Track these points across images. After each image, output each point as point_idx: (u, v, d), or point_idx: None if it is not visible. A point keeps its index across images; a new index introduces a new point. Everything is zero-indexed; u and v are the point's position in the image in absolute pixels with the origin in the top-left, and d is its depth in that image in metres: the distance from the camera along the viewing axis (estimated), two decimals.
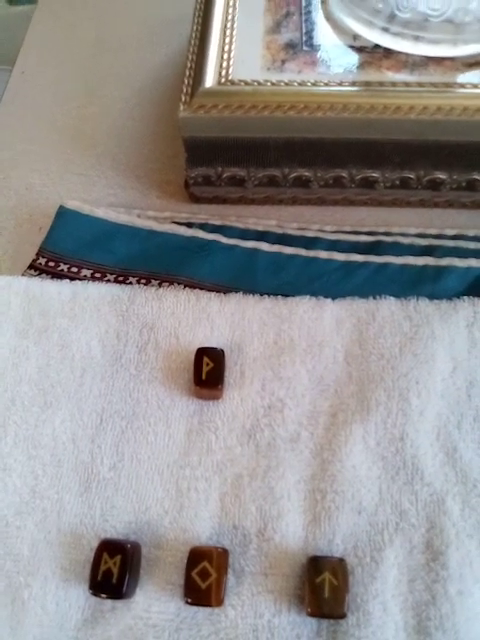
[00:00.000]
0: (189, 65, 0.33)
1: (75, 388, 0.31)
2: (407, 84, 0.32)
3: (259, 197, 0.37)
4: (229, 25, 0.34)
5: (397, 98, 0.31)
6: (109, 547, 0.26)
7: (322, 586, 0.25)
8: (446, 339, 0.31)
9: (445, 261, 0.34)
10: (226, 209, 0.38)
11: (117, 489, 0.28)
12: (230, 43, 0.34)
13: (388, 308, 0.32)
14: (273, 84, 0.32)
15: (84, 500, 0.28)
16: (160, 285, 0.34)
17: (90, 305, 0.33)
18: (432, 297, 0.32)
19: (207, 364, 0.30)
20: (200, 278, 0.34)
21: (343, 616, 0.25)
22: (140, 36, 0.48)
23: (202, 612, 0.26)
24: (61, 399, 0.30)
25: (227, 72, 0.33)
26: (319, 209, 0.38)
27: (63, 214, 0.36)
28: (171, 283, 0.34)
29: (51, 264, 0.35)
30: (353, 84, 0.32)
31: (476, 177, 0.35)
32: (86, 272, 0.35)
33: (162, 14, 0.48)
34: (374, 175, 0.35)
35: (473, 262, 0.34)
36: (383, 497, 0.28)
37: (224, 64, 0.33)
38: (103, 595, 0.26)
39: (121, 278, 0.35)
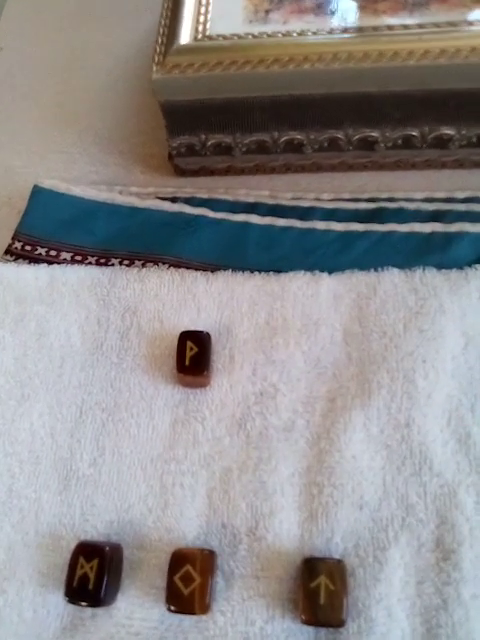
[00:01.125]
0: (163, 22, 0.30)
1: (54, 379, 0.29)
2: (405, 27, 0.28)
3: (249, 166, 0.34)
4: None
5: (394, 43, 0.28)
6: (86, 550, 0.24)
7: (317, 591, 0.23)
8: (456, 312, 0.28)
9: (455, 227, 0.31)
10: (214, 181, 0.35)
11: (97, 486, 0.27)
12: None
13: (391, 281, 0.29)
14: (254, 37, 0.29)
15: (63, 499, 0.27)
16: (144, 266, 0.32)
17: (68, 290, 0.31)
18: (441, 267, 0.30)
19: (191, 349, 0.28)
20: (186, 256, 0.32)
21: (341, 624, 0.22)
22: (121, 5, 0.45)
23: (189, 619, 0.24)
24: (39, 391, 0.29)
25: (204, 27, 0.30)
26: (315, 176, 0.35)
27: (38, 194, 0.34)
28: (156, 263, 0.32)
29: (28, 248, 0.33)
30: (344, 31, 0.29)
31: None
32: (66, 255, 0.33)
33: None
34: (373, 135, 0.32)
35: None
36: (387, 490, 0.25)
37: (201, 19, 0.30)
38: (80, 603, 0.24)
39: (103, 260, 0.33)
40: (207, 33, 0.30)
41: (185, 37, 0.29)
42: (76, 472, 0.27)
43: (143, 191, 0.35)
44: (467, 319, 0.28)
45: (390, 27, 0.28)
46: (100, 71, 0.42)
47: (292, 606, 0.24)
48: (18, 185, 0.36)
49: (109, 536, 0.26)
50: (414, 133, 0.32)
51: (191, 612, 0.23)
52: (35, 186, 0.34)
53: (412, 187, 0.34)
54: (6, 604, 0.25)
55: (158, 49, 0.29)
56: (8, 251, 0.33)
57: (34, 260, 0.33)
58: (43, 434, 0.28)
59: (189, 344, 0.28)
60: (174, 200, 0.34)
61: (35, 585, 0.25)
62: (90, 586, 0.23)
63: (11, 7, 0.46)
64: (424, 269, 0.29)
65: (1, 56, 0.43)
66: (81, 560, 0.24)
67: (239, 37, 0.29)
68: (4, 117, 0.40)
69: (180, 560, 0.23)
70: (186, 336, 0.28)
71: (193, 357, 0.28)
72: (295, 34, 0.29)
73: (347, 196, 0.34)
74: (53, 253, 0.33)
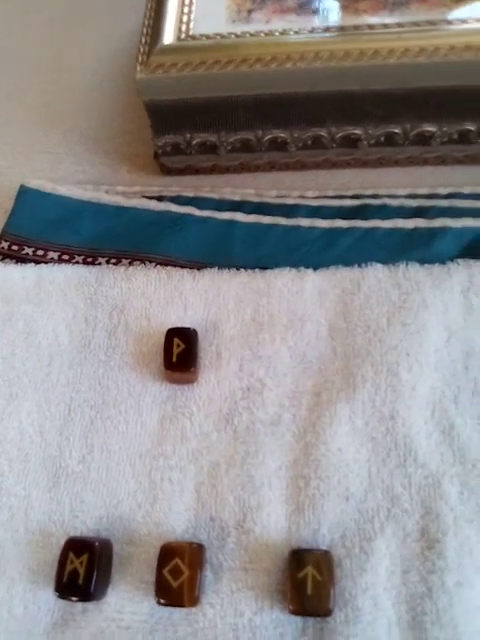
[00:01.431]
0: (146, 22, 0.30)
1: (42, 378, 0.29)
2: (386, 26, 0.29)
3: (234, 164, 0.35)
4: None
5: (374, 42, 0.28)
6: (75, 546, 0.24)
7: (304, 582, 0.23)
8: (439, 307, 0.29)
9: (438, 222, 0.32)
10: (200, 180, 0.35)
11: (87, 483, 0.27)
12: None
13: (375, 276, 0.30)
14: (237, 36, 0.29)
15: (52, 496, 0.27)
16: (131, 264, 0.32)
17: (56, 289, 0.31)
18: (424, 262, 0.30)
19: (178, 345, 0.28)
20: (173, 255, 0.32)
21: (328, 613, 0.23)
22: (108, 4, 0.45)
23: (178, 612, 0.24)
24: (27, 390, 0.29)
25: (188, 27, 0.30)
26: (299, 174, 0.35)
27: (25, 194, 0.34)
28: (142, 262, 0.32)
29: (15, 248, 0.33)
30: (326, 30, 0.29)
31: (469, 127, 0.32)
32: (53, 254, 0.33)
33: None
34: (356, 132, 0.32)
35: (469, 222, 0.31)
36: (373, 482, 0.26)
37: (184, 18, 0.30)
38: (71, 598, 0.24)
39: (90, 259, 0.33)
40: (190, 33, 0.30)
41: (169, 37, 0.30)
42: (65, 469, 0.27)
43: (129, 190, 0.35)
44: (449, 313, 0.29)
45: (371, 26, 0.29)
46: (85, 71, 0.42)
47: (280, 597, 0.24)
48: (4, 185, 0.36)
49: (99, 532, 0.26)
50: (396, 130, 0.32)
51: (180, 605, 0.23)
52: (21, 186, 0.34)
53: (395, 184, 0.34)
54: None
55: (142, 49, 0.30)
56: None
57: (21, 260, 0.33)
58: (32, 432, 0.28)
59: (176, 341, 0.28)
60: (160, 199, 0.34)
61: (25, 582, 0.25)
62: (80, 581, 0.24)
63: None
64: (407, 264, 0.30)
65: None
66: (71, 555, 0.24)
67: (222, 37, 0.29)
68: None
69: (169, 554, 0.24)
70: (173, 333, 0.28)
71: (180, 354, 0.28)
72: (277, 33, 0.29)
73: (331, 193, 0.34)
74: (40, 253, 0.33)
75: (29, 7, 0.46)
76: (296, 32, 0.29)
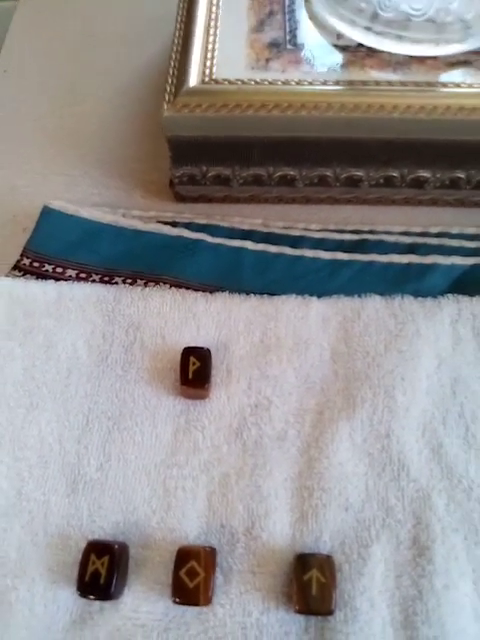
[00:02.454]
0: (173, 64, 0.33)
1: (61, 389, 0.31)
2: (390, 83, 0.32)
3: (244, 196, 0.37)
4: (213, 24, 0.34)
5: (381, 97, 0.31)
6: (96, 548, 0.26)
7: (309, 583, 0.25)
8: (431, 336, 0.31)
9: (429, 259, 0.34)
10: (211, 208, 0.38)
11: (104, 489, 0.28)
12: (214, 42, 0.33)
13: (373, 306, 0.32)
14: (257, 83, 0.32)
15: (71, 501, 0.28)
16: (146, 285, 0.34)
17: (75, 305, 0.33)
18: (417, 295, 0.33)
19: (193, 363, 0.30)
20: (186, 277, 0.34)
21: (331, 613, 0.25)
22: (125, 34, 0.47)
23: (190, 611, 0.26)
24: (47, 400, 0.30)
25: (211, 71, 0.33)
26: (304, 208, 0.38)
27: (47, 214, 0.36)
28: (157, 283, 0.34)
29: (36, 265, 0.35)
30: (337, 83, 0.32)
31: (459, 175, 0.35)
32: (71, 272, 0.35)
33: (147, 12, 0.48)
34: (359, 174, 0.35)
35: (457, 259, 0.34)
36: (370, 493, 0.28)
37: (208, 63, 0.33)
38: (91, 596, 0.25)
39: (106, 278, 0.35)
40: (213, 77, 0.32)
41: (194, 80, 0.32)
42: (83, 476, 0.28)
43: (145, 214, 0.37)
44: (440, 342, 0.31)
45: (377, 82, 0.32)
46: (102, 98, 0.44)
47: (285, 599, 0.26)
48: (23, 204, 0.38)
49: (116, 536, 0.27)
50: (395, 174, 0.35)
51: (196, 603, 0.25)
52: (45, 206, 0.36)
53: (391, 221, 0.37)
54: (18, 600, 0.26)
55: (169, 89, 0.32)
56: (16, 267, 0.35)
57: (41, 276, 0.34)
58: (51, 440, 0.29)
59: (192, 359, 0.30)
60: (174, 224, 0.36)
61: (45, 582, 0.26)
62: (101, 581, 0.25)
63: (15, 31, 0.48)
64: (402, 296, 0.32)
65: (5, 79, 0.45)
66: (92, 557, 0.26)
67: (243, 82, 0.32)
68: (9, 138, 0.42)
69: (185, 556, 0.26)
70: (189, 351, 0.30)
71: (195, 371, 0.30)
72: (293, 83, 0.32)
73: (333, 227, 0.36)
74: (59, 270, 0.35)
75: (50, 36, 0.48)
76: (310, 83, 0.32)
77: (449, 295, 0.33)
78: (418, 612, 0.25)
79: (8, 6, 0.51)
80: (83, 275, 0.35)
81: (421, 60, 0.33)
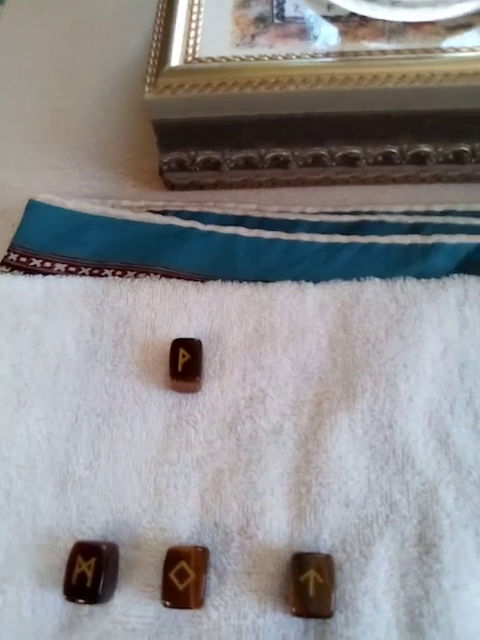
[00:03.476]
0: (154, 45, 0.32)
1: (49, 386, 0.30)
2: (383, 52, 0.30)
3: (236, 181, 0.36)
4: (196, 1, 0.33)
5: (373, 67, 0.30)
6: (83, 549, 0.25)
7: (307, 584, 0.24)
8: (435, 319, 0.30)
9: (433, 238, 0.33)
10: (203, 195, 0.36)
11: (93, 488, 0.27)
12: (197, 20, 0.32)
13: (373, 290, 0.31)
14: (242, 60, 0.31)
15: (60, 501, 0.27)
16: (136, 276, 0.33)
17: (63, 300, 0.32)
18: (420, 277, 0.31)
19: (183, 355, 0.29)
20: (177, 267, 0.33)
21: (330, 615, 0.24)
22: (113, 23, 0.46)
23: (183, 614, 0.25)
24: (35, 398, 0.29)
25: (194, 50, 0.31)
26: (300, 190, 0.36)
27: (33, 208, 0.35)
28: (147, 274, 0.33)
29: (23, 260, 0.34)
30: (327, 55, 0.30)
31: (463, 148, 0.33)
32: (60, 266, 0.34)
33: (132, 1, 0.47)
34: (355, 152, 0.34)
35: (463, 238, 0.32)
36: (372, 488, 0.26)
37: (191, 42, 0.31)
38: (79, 600, 0.25)
39: (96, 271, 0.34)
40: (197, 56, 0.31)
41: (176, 59, 0.31)
42: (72, 475, 0.28)
43: (135, 204, 0.36)
44: (445, 325, 0.30)
45: (369, 52, 0.30)
46: (91, 89, 0.43)
47: (282, 600, 0.25)
48: (13, 199, 0.37)
49: (105, 536, 0.26)
50: (393, 150, 0.33)
51: (186, 606, 0.24)
52: (30, 200, 0.35)
53: (392, 201, 0.35)
54: (5, 604, 0.25)
55: (150, 70, 0.31)
56: (4, 262, 0.34)
57: (29, 271, 0.33)
58: (39, 439, 0.28)
59: (182, 351, 0.29)
60: (165, 213, 0.35)
61: (34, 585, 0.26)
62: (88, 584, 0.24)
63: (3, 26, 0.47)
64: (404, 279, 0.31)
65: None
66: (79, 559, 0.25)
67: (227, 60, 0.31)
68: None
69: (175, 557, 0.24)
70: (179, 343, 0.29)
71: (185, 363, 0.29)
72: (280, 57, 0.31)
73: (330, 209, 0.35)
74: (47, 264, 0.34)
75: (36, 28, 0.47)
76: (298, 57, 0.31)
77: (455, 275, 0.31)
78: (425, 614, 0.24)
79: None
80: (72, 269, 0.34)
81: (417, 26, 0.31)
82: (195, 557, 0.24)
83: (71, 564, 0.25)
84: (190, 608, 0.24)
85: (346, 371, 0.29)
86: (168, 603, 0.24)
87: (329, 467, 0.27)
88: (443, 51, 0.30)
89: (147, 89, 0.30)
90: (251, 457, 0.27)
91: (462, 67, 0.30)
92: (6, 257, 0.34)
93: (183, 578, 0.24)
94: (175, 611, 0.25)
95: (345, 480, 0.27)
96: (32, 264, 0.34)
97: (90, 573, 0.24)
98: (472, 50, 0.30)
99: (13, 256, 0.34)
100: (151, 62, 0.31)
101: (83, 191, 0.38)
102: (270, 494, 0.27)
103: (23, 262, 0.34)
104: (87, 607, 0.25)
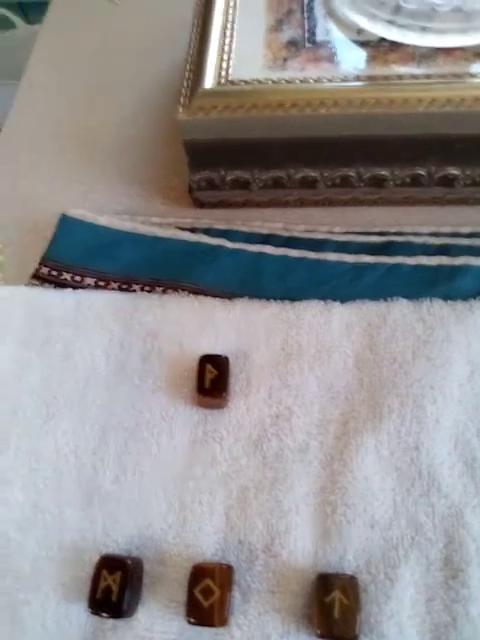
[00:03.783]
0: (188, 67, 0.32)
1: (78, 399, 0.30)
2: (414, 77, 0.30)
3: (264, 200, 0.36)
4: (229, 25, 0.34)
5: (404, 91, 0.30)
6: (109, 563, 0.25)
7: (332, 606, 0.24)
8: (462, 342, 0.30)
9: (460, 260, 0.33)
10: (231, 213, 0.37)
11: (119, 503, 0.28)
12: (230, 43, 0.33)
13: (400, 310, 0.31)
14: (274, 82, 0.31)
15: (86, 514, 0.28)
16: (164, 292, 0.33)
17: (93, 314, 0.32)
18: (447, 298, 0.31)
19: (211, 372, 0.29)
20: (205, 284, 0.34)
21: (355, 638, 0.23)
22: (144, 43, 0.47)
23: (206, 632, 0.25)
24: (63, 411, 0.30)
25: (227, 72, 0.32)
26: (327, 210, 0.37)
27: (65, 222, 0.36)
28: (175, 290, 0.33)
29: (54, 273, 0.35)
30: (357, 79, 0.31)
31: None
32: (90, 280, 0.34)
33: (166, 20, 0.48)
34: (383, 173, 0.34)
35: None
36: (397, 510, 0.26)
37: (224, 64, 0.32)
38: (103, 614, 0.25)
39: (125, 286, 0.34)
40: (229, 78, 0.32)
41: (209, 81, 0.32)
42: (99, 489, 0.28)
43: (164, 221, 0.37)
44: (473, 348, 0.30)
45: (400, 76, 0.31)
46: (121, 107, 0.44)
47: (306, 621, 0.25)
48: (44, 212, 0.38)
49: (130, 551, 0.27)
50: (421, 172, 0.34)
51: (210, 624, 0.24)
52: (63, 215, 0.36)
53: (419, 222, 0.35)
54: (30, 614, 0.25)
55: (184, 92, 0.32)
56: (35, 276, 0.34)
57: (60, 285, 0.34)
58: (67, 452, 0.29)
59: (209, 367, 0.29)
60: (193, 231, 0.36)
61: (58, 597, 0.26)
62: (113, 598, 0.24)
63: (40, 47, 0.49)
64: (431, 300, 0.31)
65: (30, 92, 0.46)
66: (104, 573, 0.25)
67: (259, 82, 0.31)
68: (31, 147, 0.42)
69: (200, 574, 0.25)
70: (206, 359, 0.29)
71: (213, 380, 0.29)
72: (312, 81, 0.31)
73: (358, 230, 0.35)
74: (77, 278, 0.35)
75: (69, 47, 0.48)
76: (329, 80, 0.31)
77: None
78: None
79: (36, 29, 0.52)
80: (101, 283, 0.34)
81: (447, 52, 0.32)
82: (220, 574, 0.24)
83: (96, 578, 0.25)
84: (214, 626, 0.24)
85: (372, 391, 0.29)
86: (192, 620, 0.24)
87: (355, 487, 0.27)
88: (473, 76, 0.30)
89: (180, 110, 0.31)
90: (276, 475, 0.27)
91: None
92: (38, 270, 0.35)
93: (208, 595, 0.24)
94: (199, 628, 0.25)
95: (371, 501, 0.27)
96: (63, 278, 0.34)
97: (115, 587, 0.25)
98: None
99: (44, 269, 0.35)
100: (185, 83, 0.32)
101: (112, 207, 0.39)
102: (295, 513, 0.27)
103: (54, 276, 0.35)
104: (111, 621, 0.25)
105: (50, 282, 0.34)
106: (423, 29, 0.31)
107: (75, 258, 0.35)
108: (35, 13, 0.93)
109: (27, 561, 0.27)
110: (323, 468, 0.28)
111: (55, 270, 0.35)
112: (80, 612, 0.25)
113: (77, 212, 0.36)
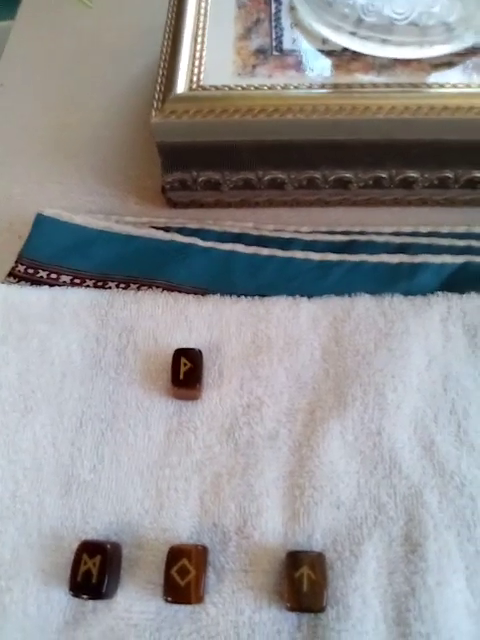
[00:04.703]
0: (161, 72, 0.34)
1: (55, 392, 0.31)
2: (375, 85, 0.32)
3: (235, 200, 0.38)
4: (200, 32, 0.35)
5: (365, 99, 0.32)
6: (89, 548, 0.26)
7: (301, 580, 0.25)
8: (421, 334, 0.32)
9: (419, 258, 0.35)
10: (203, 213, 0.38)
11: (97, 491, 0.29)
12: (201, 50, 0.34)
13: (363, 305, 0.33)
14: (243, 88, 0.33)
15: (65, 503, 0.28)
16: (139, 289, 0.34)
17: (69, 310, 0.33)
18: (407, 294, 0.33)
19: (185, 364, 0.30)
20: (178, 281, 0.35)
21: (322, 610, 0.25)
22: (118, 46, 0.48)
23: (183, 610, 0.26)
24: (41, 404, 0.31)
25: (198, 78, 0.33)
26: (295, 210, 0.38)
27: (41, 221, 0.37)
28: (149, 287, 0.34)
29: (30, 271, 0.35)
30: (322, 86, 0.33)
31: (447, 174, 0.35)
32: (65, 278, 0.35)
33: (140, 24, 0.49)
34: (347, 176, 0.36)
35: (447, 258, 0.35)
36: (361, 491, 0.28)
37: (195, 70, 0.33)
38: (83, 596, 0.26)
39: (100, 283, 0.35)
40: (201, 83, 0.33)
41: (181, 86, 0.33)
42: (77, 478, 0.29)
43: (138, 220, 0.38)
44: (430, 340, 0.31)
45: (362, 85, 0.33)
46: (96, 108, 0.45)
47: (277, 597, 0.26)
48: (19, 212, 0.39)
49: (109, 537, 0.27)
50: (383, 175, 0.36)
51: (187, 602, 0.25)
52: (38, 214, 0.37)
53: (381, 222, 0.37)
54: (12, 601, 0.26)
55: (157, 96, 0.33)
56: (11, 274, 0.35)
57: (36, 282, 0.35)
58: (45, 443, 0.30)
59: (183, 360, 0.30)
60: (167, 230, 0.37)
61: (39, 583, 0.26)
62: (93, 580, 0.25)
63: (12, 47, 0.49)
64: (392, 295, 0.33)
65: (2, 92, 0.46)
66: (85, 557, 0.26)
67: (229, 88, 0.33)
68: (6, 149, 0.43)
69: (177, 555, 0.26)
70: (180, 353, 0.31)
71: (187, 372, 0.30)
72: (279, 87, 0.33)
73: (323, 229, 0.37)
74: (53, 276, 0.35)
75: (42, 48, 0.49)
76: (296, 87, 0.33)
77: (439, 293, 0.33)
78: (411, 608, 0.25)
79: (7, 25, 0.53)
80: (77, 281, 0.35)
81: (405, 63, 0.34)
82: (196, 555, 0.26)
83: (77, 561, 0.26)
84: (191, 603, 0.25)
85: (338, 381, 0.31)
86: (170, 599, 0.25)
87: (321, 471, 0.28)
88: (429, 86, 0.33)
89: (154, 113, 0.32)
90: (248, 461, 0.29)
91: (445, 101, 0.32)
92: (14, 268, 0.35)
93: (184, 575, 0.25)
94: (175, 607, 0.26)
95: (336, 483, 0.28)
96: (39, 276, 0.35)
97: (95, 570, 0.26)
98: (454, 86, 0.33)
99: (21, 267, 0.35)
100: (158, 88, 0.33)
101: (87, 206, 0.40)
102: (266, 496, 0.28)
103: (30, 273, 0.35)
104: (91, 603, 0.26)
105: (26, 280, 0.35)
106: (383, 41, 0.33)
107: (51, 256, 0.36)
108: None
109: (7, 549, 0.27)
110: (292, 454, 0.29)
111: (31, 268, 0.35)
112: (61, 597, 0.26)
113: (53, 211, 0.37)
